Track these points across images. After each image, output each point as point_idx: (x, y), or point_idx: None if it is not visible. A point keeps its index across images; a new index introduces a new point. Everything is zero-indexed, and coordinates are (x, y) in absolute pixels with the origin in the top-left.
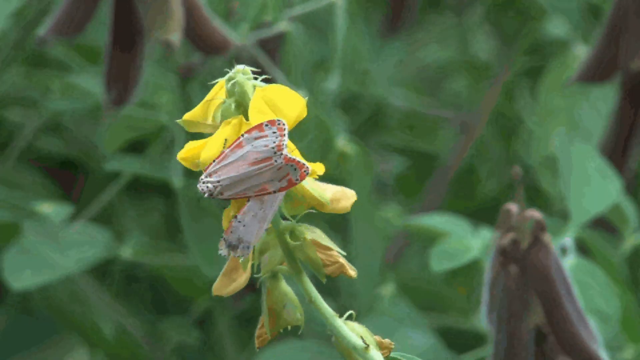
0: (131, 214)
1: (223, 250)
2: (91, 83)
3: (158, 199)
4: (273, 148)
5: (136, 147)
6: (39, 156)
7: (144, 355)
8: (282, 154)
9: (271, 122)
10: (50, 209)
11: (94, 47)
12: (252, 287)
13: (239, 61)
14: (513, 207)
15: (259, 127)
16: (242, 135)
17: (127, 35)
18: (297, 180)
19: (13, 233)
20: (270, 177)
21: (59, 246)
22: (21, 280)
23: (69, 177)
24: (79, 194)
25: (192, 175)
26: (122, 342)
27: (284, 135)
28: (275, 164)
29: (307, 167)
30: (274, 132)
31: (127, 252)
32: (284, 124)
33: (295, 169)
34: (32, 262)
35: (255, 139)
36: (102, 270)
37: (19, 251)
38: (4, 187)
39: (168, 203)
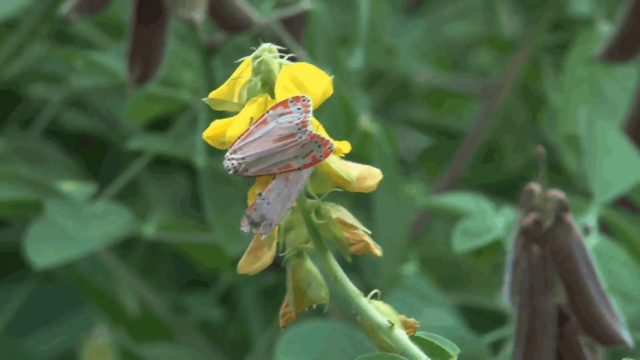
0: (154, 191)
1: (245, 227)
2: (114, 60)
3: (181, 175)
4: (297, 124)
5: (159, 124)
6: (63, 131)
7: (167, 330)
8: (306, 130)
9: (296, 99)
10: (73, 187)
11: (117, 24)
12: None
13: (262, 39)
14: (535, 187)
15: (284, 103)
16: (267, 111)
17: (151, 12)
18: (321, 157)
19: (36, 210)
20: (294, 154)
21: (82, 223)
22: (44, 257)
23: (92, 152)
24: (103, 168)
25: (215, 152)
26: (145, 317)
27: (309, 111)
28: (300, 140)
29: (332, 144)
30: (299, 109)
31: (150, 228)
32: (308, 100)
33: (319, 146)
34: (55, 239)
35: (280, 115)
36: (126, 246)
37: (41, 228)
38: (28, 163)
39: (191, 180)
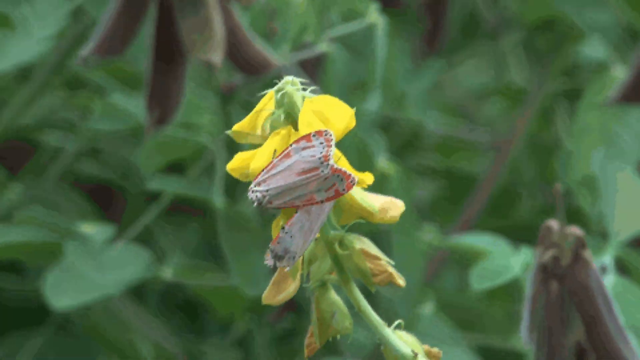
0: (171, 235)
1: (269, 261)
2: (131, 104)
3: (197, 219)
4: (320, 158)
5: (175, 168)
6: (78, 178)
7: None
8: (328, 164)
9: (319, 133)
10: (93, 229)
11: (132, 72)
12: (292, 306)
13: (280, 80)
14: (554, 223)
15: (307, 137)
16: (290, 145)
17: (169, 55)
18: (343, 190)
19: (55, 253)
20: (317, 187)
21: (100, 267)
22: (62, 300)
23: (107, 199)
24: (117, 216)
25: (232, 196)
26: None
27: (331, 145)
28: (322, 174)
29: (354, 178)
30: (321, 143)
31: (167, 272)
32: (331, 135)
33: (342, 180)
34: (74, 282)
35: (303, 149)
36: (142, 291)
37: (60, 271)
38: (44, 209)
39: (207, 223)
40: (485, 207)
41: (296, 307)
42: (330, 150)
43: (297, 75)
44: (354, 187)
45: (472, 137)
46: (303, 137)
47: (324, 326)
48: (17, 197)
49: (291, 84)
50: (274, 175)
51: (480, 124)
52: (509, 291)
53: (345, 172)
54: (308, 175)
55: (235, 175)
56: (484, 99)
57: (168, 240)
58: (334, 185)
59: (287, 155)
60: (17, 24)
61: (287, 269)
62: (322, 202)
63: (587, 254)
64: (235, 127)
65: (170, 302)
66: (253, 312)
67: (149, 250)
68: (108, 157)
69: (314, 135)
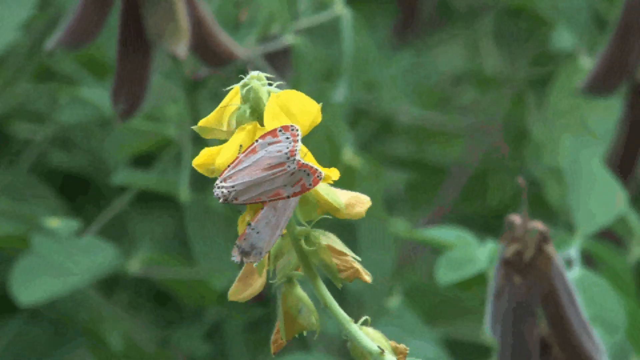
0: (139, 227)
1: (236, 257)
2: (99, 95)
3: (166, 212)
4: (286, 154)
5: (144, 159)
6: (47, 170)
7: None
8: (295, 159)
9: (285, 128)
10: (59, 223)
11: (101, 62)
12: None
13: (246, 73)
14: (517, 218)
15: (273, 132)
16: (256, 140)
17: (135, 46)
18: (310, 185)
19: (21, 246)
20: (283, 182)
21: (67, 259)
22: (30, 293)
23: (77, 190)
24: (87, 206)
25: (199, 188)
26: (131, 353)
27: (298, 141)
28: (289, 169)
29: (320, 173)
30: (287, 138)
31: (135, 264)
32: (297, 130)
33: (308, 175)
34: (41, 275)
35: (269, 144)
36: (111, 283)
37: (27, 264)
38: (13, 201)
39: (175, 216)
40: (458, 194)
41: (264, 298)
42: (297, 146)
43: (263, 66)
44: (320, 183)
45: (446, 123)
46: (269, 133)
47: (291, 322)
48: None
49: (257, 78)
50: (239, 170)
51: (455, 110)
52: (481, 280)
53: (311, 167)
54: (274, 170)
55: (201, 171)
56: (458, 85)
57: (138, 230)
58: (301, 181)
59: (253, 151)
60: None
61: (254, 264)
62: (288, 197)
63: (550, 248)
64: (201, 122)
65: (141, 293)
66: (222, 303)
67: (118, 242)
68: (78, 147)
69: (280, 131)
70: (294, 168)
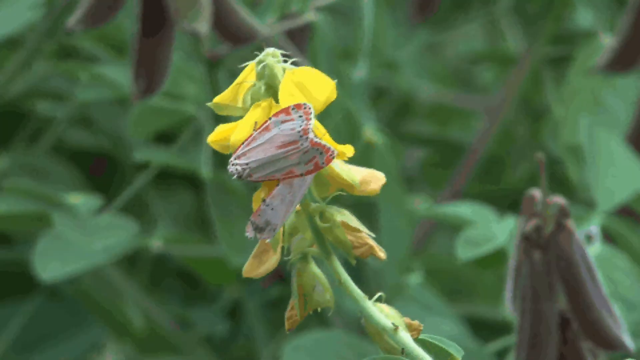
0: (160, 205)
1: (250, 233)
2: (119, 74)
3: (185, 191)
4: (299, 132)
5: (164, 137)
6: (68, 148)
7: (173, 345)
8: (308, 137)
9: (297, 106)
10: (79, 199)
11: (121, 40)
12: (280, 275)
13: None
14: (536, 193)
15: (286, 110)
16: (270, 118)
17: (155, 25)
18: (323, 164)
19: (43, 223)
20: (297, 160)
21: (88, 236)
22: (50, 271)
23: (98, 168)
24: (109, 185)
25: (220, 165)
26: (150, 331)
27: (310, 119)
28: (302, 147)
29: (333, 151)
30: (300, 116)
31: (156, 242)
32: (310, 108)
33: (321, 153)
34: (62, 253)
35: (282, 122)
36: (131, 261)
37: (48, 242)
38: (33, 179)
39: (197, 193)
40: (475, 173)
41: (283, 276)
42: (310, 124)
43: (283, 45)
44: (335, 160)
45: (464, 103)
46: (282, 111)
47: (305, 299)
48: (6, 166)
49: (272, 55)
50: (254, 148)
51: (474, 89)
52: (500, 257)
53: (324, 146)
54: (288, 148)
55: (216, 147)
56: (477, 64)
57: (158, 209)
58: (314, 159)
59: (267, 129)
60: None
61: (267, 240)
62: (301, 175)
63: (570, 223)
64: (217, 99)
65: (161, 271)
66: (242, 281)
67: (138, 220)
68: (98, 126)
69: (293, 109)
70: (307, 146)
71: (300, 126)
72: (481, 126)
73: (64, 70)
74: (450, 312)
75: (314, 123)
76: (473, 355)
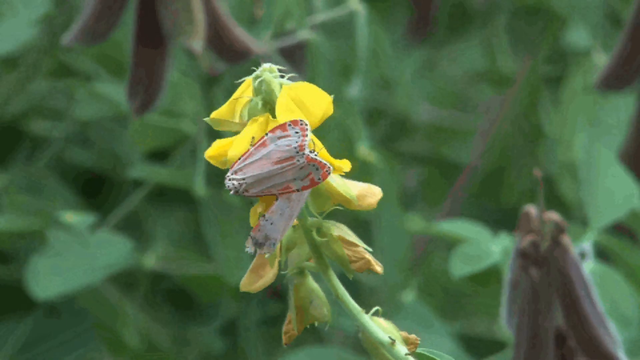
0: (156, 222)
1: (250, 248)
2: (115, 91)
3: (181, 208)
4: (295, 148)
5: (160, 155)
6: (64, 166)
7: None
8: (304, 153)
9: (294, 122)
10: (75, 217)
11: (118, 58)
12: (277, 294)
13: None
14: (532, 209)
15: (282, 126)
16: (266, 134)
17: (152, 41)
18: (319, 179)
19: (38, 241)
20: (293, 176)
21: (84, 254)
22: (46, 288)
23: (94, 186)
24: (105, 202)
25: (216, 182)
26: (147, 348)
27: (307, 135)
28: (298, 163)
29: (329, 167)
30: (297, 132)
31: (151, 260)
32: (306, 125)
33: (317, 169)
34: (57, 270)
35: (279, 138)
36: (127, 279)
37: (43, 260)
38: (30, 197)
39: (193, 210)
40: (473, 191)
41: (279, 294)
42: (306, 140)
43: (279, 62)
44: (332, 174)
45: (461, 123)
46: (278, 127)
47: (302, 313)
48: (4, 184)
49: (269, 71)
50: (250, 163)
51: (471, 108)
52: (495, 274)
53: (320, 162)
54: (284, 164)
55: (213, 162)
56: (473, 84)
57: (154, 226)
58: (310, 175)
59: (263, 144)
60: (4, 10)
61: (267, 255)
62: (298, 190)
63: (566, 239)
64: (214, 114)
65: (157, 289)
66: (238, 299)
67: (134, 238)
68: (95, 144)
69: (289, 125)
70: (303, 162)
71: (297, 142)
72: (478, 145)
73: (62, 88)
74: (446, 330)
75: (311, 138)
76: None
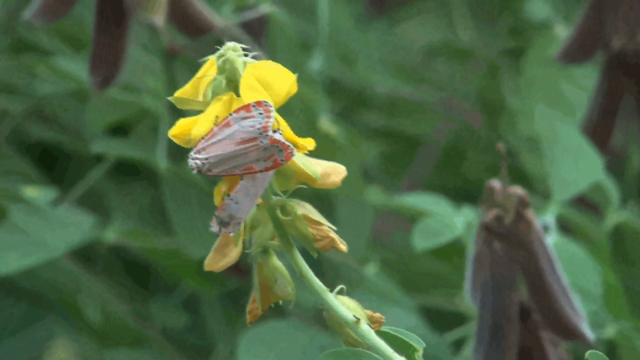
0: (117, 198)
1: (215, 228)
2: (76, 67)
3: (142, 184)
4: (259, 129)
5: (121, 130)
6: (24, 142)
7: (131, 338)
8: (267, 135)
9: (258, 104)
10: (36, 192)
11: (78, 34)
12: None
13: (223, 43)
14: (496, 183)
15: (247, 107)
16: (230, 114)
17: (112, 16)
18: (282, 161)
19: None
20: (256, 157)
21: (44, 229)
22: (5, 264)
23: (54, 161)
24: (64, 178)
25: (177, 157)
26: (108, 324)
27: (270, 116)
28: (261, 144)
29: (292, 149)
30: (261, 113)
31: (111, 235)
32: (270, 106)
33: (280, 150)
34: (18, 245)
35: (243, 119)
36: (87, 254)
37: (4, 234)
38: None
39: (152, 188)
40: (434, 165)
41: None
42: (270, 121)
43: (239, 36)
44: (296, 153)
45: (420, 96)
46: (242, 107)
47: (267, 292)
48: None
49: (233, 49)
50: (213, 143)
51: (430, 82)
52: (458, 248)
53: (284, 144)
54: (247, 145)
55: (177, 141)
56: (432, 57)
57: (115, 202)
58: (273, 156)
59: (227, 124)
60: None
61: (232, 234)
62: (260, 171)
63: (530, 213)
64: (177, 93)
65: (117, 265)
66: (199, 275)
67: (95, 213)
68: (54, 119)
69: (253, 106)
70: (267, 143)
71: (260, 123)
72: (439, 119)
73: (22, 63)
74: (409, 304)
75: (275, 116)
76: (431, 346)
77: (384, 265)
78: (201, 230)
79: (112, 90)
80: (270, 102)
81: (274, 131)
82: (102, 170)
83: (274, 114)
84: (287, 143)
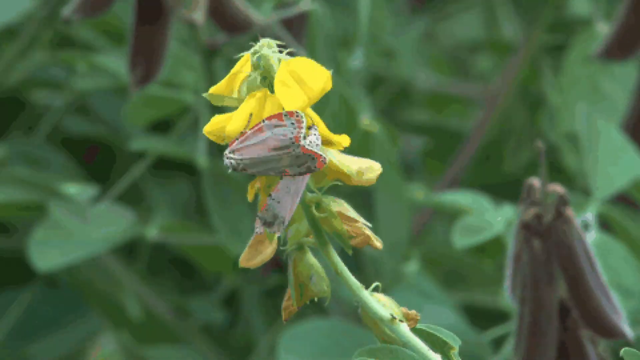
0: (156, 195)
1: (259, 229)
2: (117, 63)
3: (183, 180)
4: (291, 139)
5: (161, 126)
6: (65, 137)
7: (171, 334)
8: (299, 145)
9: (290, 113)
10: (76, 189)
11: (118, 29)
12: (279, 265)
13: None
14: (536, 181)
15: (278, 116)
16: (263, 121)
17: (152, 13)
18: (315, 168)
19: (39, 213)
20: (289, 163)
21: (85, 225)
22: (47, 260)
23: (95, 157)
24: (106, 174)
25: (217, 154)
26: (148, 320)
27: (302, 127)
28: (294, 153)
29: (324, 157)
30: (292, 123)
31: (152, 231)
32: (302, 116)
33: (313, 159)
34: (59, 242)
35: (275, 127)
36: (128, 250)
37: (45, 231)
38: (30, 168)
39: (193, 184)
40: (473, 161)
41: (282, 265)
42: (301, 132)
43: (280, 34)
44: (332, 150)
45: (462, 91)
46: (274, 116)
47: (302, 289)
48: (4, 155)
49: (267, 46)
50: (247, 146)
51: (472, 77)
52: (498, 245)
53: (316, 152)
54: (280, 152)
55: (212, 138)
56: (475, 52)
57: (156, 198)
58: (306, 162)
59: (260, 130)
60: None
61: (277, 234)
62: (294, 175)
63: (569, 211)
64: (212, 89)
65: (158, 261)
66: (240, 270)
67: (136, 209)
68: (95, 114)
69: (285, 115)
70: (299, 152)
71: (292, 133)
72: (479, 114)
73: (62, 59)
74: (449, 301)
75: (309, 113)
76: (470, 344)
77: (424, 261)
78: (241, 226)
79: (152, 87)
80: (302, 113)
81: (309, 127)
82: (144, 166)
83: (305, 124)
84: (320, 152)
